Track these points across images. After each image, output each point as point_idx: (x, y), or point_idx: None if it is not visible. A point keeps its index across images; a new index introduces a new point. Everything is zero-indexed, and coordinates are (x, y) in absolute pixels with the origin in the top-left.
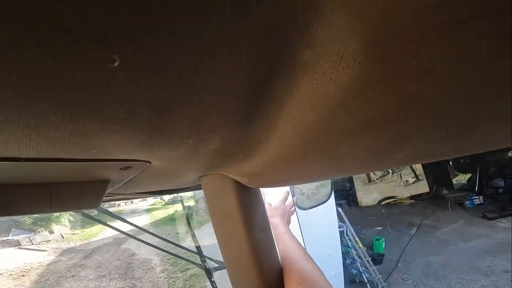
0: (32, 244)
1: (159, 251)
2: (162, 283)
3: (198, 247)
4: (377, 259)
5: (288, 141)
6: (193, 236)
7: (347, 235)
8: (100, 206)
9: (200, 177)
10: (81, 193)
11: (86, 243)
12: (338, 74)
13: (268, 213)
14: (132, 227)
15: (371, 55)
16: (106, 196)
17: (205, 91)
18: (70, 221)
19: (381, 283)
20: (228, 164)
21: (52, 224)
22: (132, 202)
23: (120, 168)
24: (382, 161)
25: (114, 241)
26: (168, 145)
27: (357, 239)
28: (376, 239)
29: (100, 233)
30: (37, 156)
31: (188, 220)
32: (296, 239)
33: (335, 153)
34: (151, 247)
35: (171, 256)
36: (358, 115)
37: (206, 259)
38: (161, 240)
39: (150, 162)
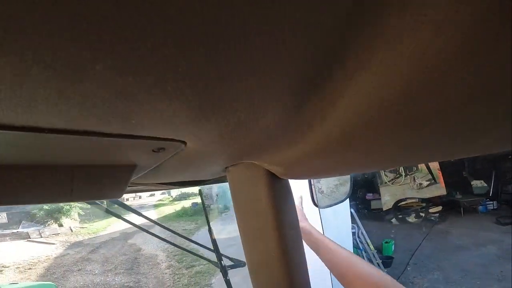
0: (41, 237)
1: (165, 247)
2: (167, 279)
3: (214, 243)
4: (386, 262)
5: (340, 129)
6: (210, 231)
7: (358, 236)
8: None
9: (227, 167)
10: (105, 179)
11: (94, 237)
12: (429, 49)
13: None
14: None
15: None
16: (128, 186)
17: (266, 60)
18: (79, 215)
19: None
20: (264, 151)
21: (62, 217)
22: (140, 197)
23: (153, 150)
24: (441, 153)
25: (121, 235)
26: (209, 124)
27: (368, 241)
28: (386, 242)
29: (107, 227)
30: (64, 127)
31: (206, 215)
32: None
33: (392, 143)
34: (157, 243)
35: (177, 252)
36: (432, 102)
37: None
38: (173, 235)
39: (185, 144)
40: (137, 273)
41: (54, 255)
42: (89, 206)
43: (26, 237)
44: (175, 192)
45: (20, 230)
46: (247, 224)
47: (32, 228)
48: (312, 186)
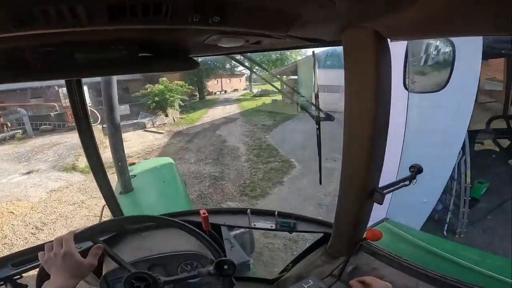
0: (153, 126)
1: (245, 141)
2: (245, 172)
3: (317, 98)
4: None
5: None
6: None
7: (459, 164)
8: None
9: (341, 32)
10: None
11: (190, 127)
12: None
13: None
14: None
15: None
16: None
17: None
18: (180, 106)
19: (461, 229)
20: (380, 14)
21: (168, 108)
22: (225, 92)
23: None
24: None
25: (210, 126)
26: None
27: (468, 172)
28: (479, 182)
29: (200, 118)
30: None
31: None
32: None
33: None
34: (239, 136)
35: (256, 147)
36: None
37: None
38: None
39: None
40: (222, 164)
41: (162, 144)
42: (186, 98)
43: (143, 127)
44: (256, 89)
45: (139, 120)
46: (353, 82)
47: (147, 119)
48: (407, 68)
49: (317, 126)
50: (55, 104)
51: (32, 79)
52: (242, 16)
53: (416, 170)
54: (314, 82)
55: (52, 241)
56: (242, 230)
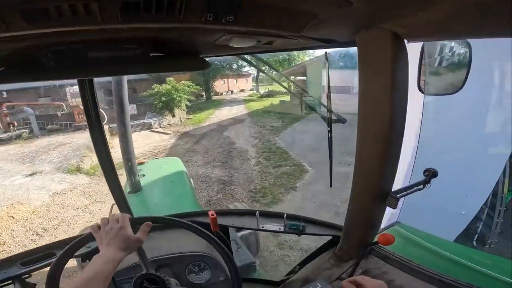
0: (160, 127)
1: (254, 143)
2: (256, 177)
3: (329, 99)
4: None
5: None
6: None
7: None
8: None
9: (356, 33)
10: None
11: (197, 128)
12: None
13: None
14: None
15: None
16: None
17: None
18: (187, 106)
19: (492, 239)
20: (398, 14)
21: (175, 108)
22: (232, 92)
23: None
24: None
25: (218, 127)
26: None
27: (506, 180)
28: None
29: (207, 119)
30: None
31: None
32: None
33: None
34: (247, 138)
35: (265, 149)
36: None
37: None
38: None
39: None
40: (230, 167)
41: (169, 145)
42: (193, 98)
43: (150, 127)
44: (263, 89)
45: (145, 120)
46: (368, 83)
47: (154, 119)
48: (421, 70)
49: (329, 129)
50: (62, 103)
51: (45, 79)
52: (256, 16)
53: (430, 174)
54: (327, 83)
55: (106, 217)
56: (248, 231)
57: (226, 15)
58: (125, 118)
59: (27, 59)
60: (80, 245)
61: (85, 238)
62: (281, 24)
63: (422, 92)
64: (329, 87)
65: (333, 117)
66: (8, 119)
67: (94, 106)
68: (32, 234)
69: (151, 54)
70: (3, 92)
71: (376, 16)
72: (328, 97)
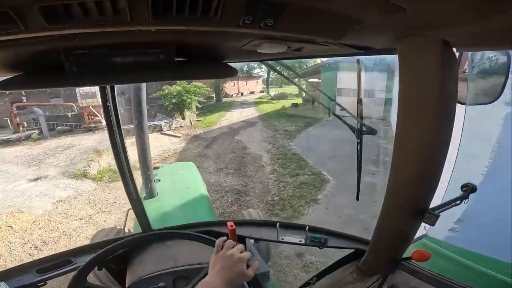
0: (170, 129)
1: (268, 148)
2: (272, 187)
3: (359, 109)
4: None
5: None
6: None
7: None
8: None
9: (398, 40)
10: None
11: (208, 131)
12: None
13: None
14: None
15: None
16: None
17: None
18: (197, 108)
19: None
20: (447, 23)
21: (185, 110)
22: (242, 95)
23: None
24: None
25: (229, 131)
26: None
27: None
28: None
29: (217, 122)
30: None
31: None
32: None
33: None
34: (259, 143)
35: (280, 156)
36: None
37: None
38: None
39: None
40: (244, 175)
41: (179, 149)
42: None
43: (160, 129)
44: (273, 91)
45: (156, 122)
46: (411, 94)
47: (164, 121)
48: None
49: (358, 140)
50: (73, 104)
51: (67, 85)
52: (298, 20)
53: (469, 189)
54: (358, 91)
55: (225, 238)
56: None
57: (265, 18)
58: (143, 122)
59: (48, 64)
60: (107, 255)
61: (110, 251)
62: (322, 30)
63: (460, 103)
64: (359, 96)
65: (364, 128)
66: (18, 119)
67: (115, 111)
68: (30, 247)
69: (175, 59)
70: (22, 97)
71: (428, 23)
72: (359, 107)
